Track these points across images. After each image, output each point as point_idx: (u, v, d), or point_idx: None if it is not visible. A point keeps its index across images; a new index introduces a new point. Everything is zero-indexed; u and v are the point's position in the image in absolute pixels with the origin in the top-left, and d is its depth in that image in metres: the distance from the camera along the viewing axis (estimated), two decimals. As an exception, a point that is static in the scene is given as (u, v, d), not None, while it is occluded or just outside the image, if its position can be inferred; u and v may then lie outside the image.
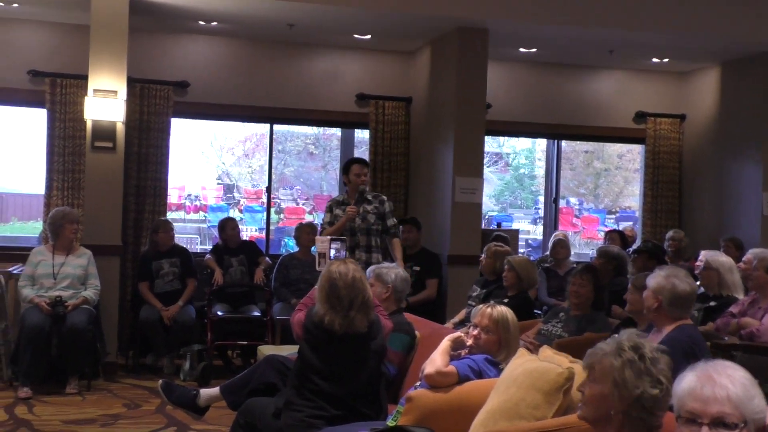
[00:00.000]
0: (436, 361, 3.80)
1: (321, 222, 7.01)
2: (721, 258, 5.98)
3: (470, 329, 4.06)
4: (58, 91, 8.09)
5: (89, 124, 7.27)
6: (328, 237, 5.45)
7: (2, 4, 7.61)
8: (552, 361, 3.35)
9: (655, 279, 4.11)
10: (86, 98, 7.23)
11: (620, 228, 10.12)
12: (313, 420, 3.94)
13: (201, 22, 8.07)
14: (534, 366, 3.32)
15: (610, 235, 8.47)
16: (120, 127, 7.32)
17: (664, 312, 4.06)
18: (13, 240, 9.91)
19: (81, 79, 7.61)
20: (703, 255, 6.04)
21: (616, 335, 4.38)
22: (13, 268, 7.33)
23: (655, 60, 9.22)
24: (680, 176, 9.83)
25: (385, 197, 6.95)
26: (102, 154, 7.29)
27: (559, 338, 5.15)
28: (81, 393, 6.49)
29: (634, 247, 8.24)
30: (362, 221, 6.69)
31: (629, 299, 4.69)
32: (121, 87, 7.26)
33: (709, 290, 5.82)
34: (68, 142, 8.10)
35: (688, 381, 2.22)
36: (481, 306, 4.13)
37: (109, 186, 7.34)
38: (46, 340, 6.46)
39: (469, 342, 4.00)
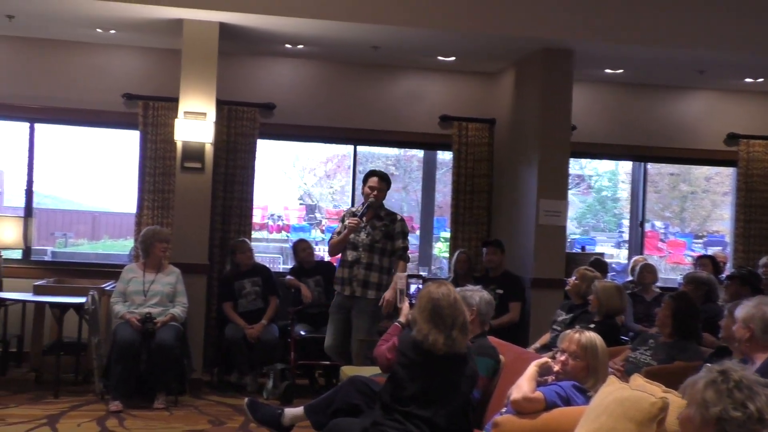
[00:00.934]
0: (523, 386, 3.75)
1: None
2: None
3: (557, 355, 4.00)
4: (150, 114, 8.29)
5: (179, 146, 7.43)
6: (405, 274, 5.47)
7: (100, 31, 7.86)
8: (644, 390, 3.25)
9: (744, 309, 4.00)
10: (177, 120, 7.40)
11: (710, 253, 9.83)
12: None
13: (287, 46, 8.18)
14: (626, 395, 3.23)
15: (701, 260, 8.23)
16: (209, 148, 7.47)
17: (756, 341, 3.92)
18: (105, 257, 10.17)
19: (172, 102, 7.78)
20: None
21: (709, 364, 4.27)
22: (105, 284, 7.52)
23: (748, 80, 8.97)
24: (775, 200, 9.53)
25: (399, 217, 6.60)
26: (191, 175, 7.44)
27: (648, 366, 5.02)
28: (168, 408, 6.58)
29: (726, 273, 8.01)
30: (366, 236, 6.44)
31: (725, 326, 4.54)
32: (211, 109, 7.41)
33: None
34: (159, 162, 8.28)
35: None
36: (568, 331, 4.06)
37: (198, 206, 7.48)
38: (135, 356, 6.58)
39: (557, 368, 3.94)
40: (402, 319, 4.64)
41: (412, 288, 5.24)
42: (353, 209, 6.68)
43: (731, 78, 8.98)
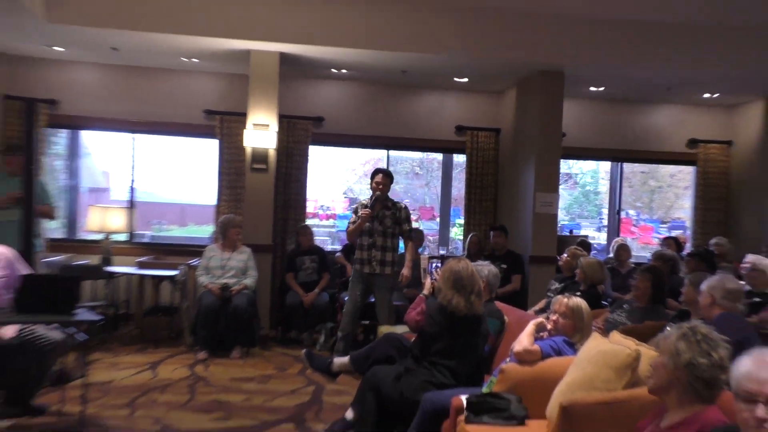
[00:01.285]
0: (523, 341, 3.79)
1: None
2: (765, 261, 5.75)
3: (550, 316, 4.03)
4: (225, 126, 8.36)
5: (248, 151, 7.48)
6: (428, 255, 5.47)
7: (185, 60, 7.93)
8: (621, 344, 3.29)
9: (710, 281, 4.02)
10: (246, 131, 7.45)
11: (674, 235, 9.77)
12: (426, 384, 3.99)
13: (333, 70, 8.21)
14: (606, 347, 3.26)
15: (667, 241, 8.16)
16: (272, 153, 7.52)
17: (716, 306, 3.94)
18: (191, 240, 10.27)
19: (242, 116, 7.82)
20: (750, 258, 5.81)
21: (673, 323, 4.27)
22: (191, 261, 7.63)
23: (706, 95, 8.86)
24: (728, 193, 9.43)
25: (404, 205, 6.42)
26: (258, 174, 7.50)
27: (623, 325, 5.02)
28: (242, 358, 6.67)
29: (686, 251, 7.94)
30: (380, 224, 6.29)
31: (686, 293, 4.54)
32: (273, 121, 7.46)
33: (754, 288, 5.57)
34: (232, 165, 8.35)
35: (744, 364, 2.15)
36: (559, 296, 4.09)
37: (263, 199, 7.54)
38: (216, 317, 6.67)
39: (550, 326, 3.97)
40: (425, 291, 4.64)
41: (433, 265, 5.23)
42: (364, 201, 6.46)
43: (692, 93, 8.87)
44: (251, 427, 4.68)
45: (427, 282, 4.72)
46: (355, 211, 6.44)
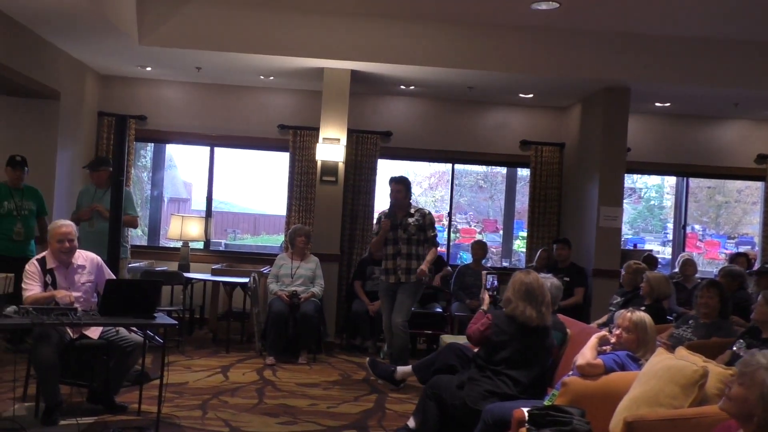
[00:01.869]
0: (586, 354, 3.65)
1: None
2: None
3: (614, 330, 3.88)
4: (297, 140, 8.45)
5: (319, 164, 7.53)
6: (485, 272, 5.32)
7: (262, 78, 8.07)
8: (688, 360, 3.12)
9: None
10: (318, 144, 7.51)
11: (744, 251, 9.35)
12: (489, 394, 3.90)
13: (402, 86, 8.21)
14: (672, 363, 3.11)
15: (738, 258, 7.79)
16: (341, 166, 7.55)
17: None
18: (263, 248, 10.40)
19: (314, 131, 7.91)
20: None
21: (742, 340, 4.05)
22: (263, 269, 7.70)
23: (775, 111, 8.49)
24: (797, 208, 8.99)
25: (428, 211, 6.18)
26: (327, 186, 7.54)
27: (689, 341, 4.81)
28: (309, 363, 6.68)
29: (756, 267, 7.57)
30: (404, 232, 6.05)
31: (758, 310, 4.29)
32: (343, 136, 7.49)
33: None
34: (303, 177, 8.42)
35: None
36: (623, 310, 3.93)
37: (332, 210, 7.58)
38: (285, 323, 6.70)
39: (613, 340, 3.82)
40: (484, 306, 4.51)
41: (490, 279, 5.07)
42: (386, 211, 6.23)
43: (761, 109, 8.50)
44: None
45: (486, 296, 4.61)
46: (378, 221, 6.26)
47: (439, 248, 6.78)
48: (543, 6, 5.53)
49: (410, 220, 6.08)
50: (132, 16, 6.63)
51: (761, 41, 7.03)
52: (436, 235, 6.26)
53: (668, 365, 3.10)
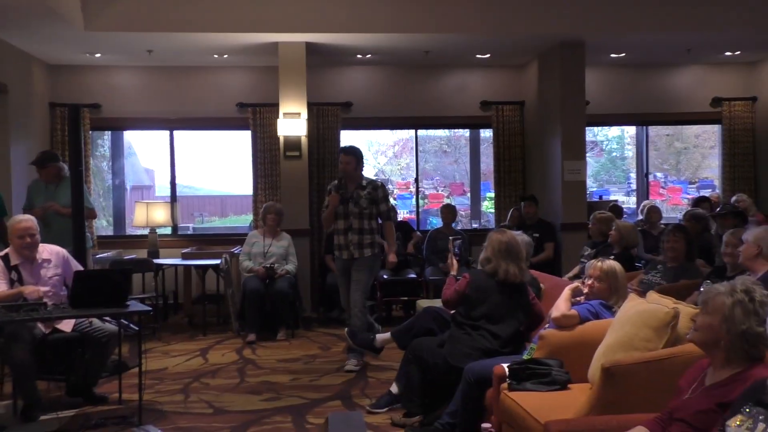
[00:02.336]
0: (561, 306, 3.70)
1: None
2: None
3: (585, 280, 3.93)
4: (257, 117, 8.34)
5: (281, 140, 7.47)
6: (451, 237, 5.15)
7: (216, 56, 7.92)
8: (659, 303, 3.18)
9: (754, 232, 3.83)
10: (278, 120, 7.44)
11: (707, 195, 9.51)
12: (470, 351, 3.94)
13: (359, 56, 8.12)
14: (644, 307, 3.16)
15: (701, 203, 7.91)
16: (304, 140, 7.49)
17: (762, 257, 3.79)
18: (232, 229, 10.33)
19: (273, 107, 7.81)
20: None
21: (708, 281, 4.14)
22: (233, 249, 7.64)
23: (727, 53, 8.58)
24: (754, 148, 9.15)
25: (380, 183, 5.75)
26: (292, 162, 7.49)
27: (659, 285, 4.90)
28: (288, 339, 6.69)
29: (718, 210, 7.70)
30: (354, 205, 5.57)
31: (728, 251, 4.36)
32: (303, 110, 7.42)
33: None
34: (267, 154, 8.33)
35: None
36: (593, 261, 3.98)
37: (299, 185, 7.54)
38: (261, 300, 6.69)
39: (586, 290, 3.88)
40: (453, 272, 4.47)
41: (457, 244, 4.95)
42: (336, 183, 5.73)
43: (713, 53, 8.60)
44: (300, 406, 4.67)
45: (454, 263, 4.60)
46: (328, 192, 5.77)
47: (399, 217, 6.62)
48: (494, -36, 5.49)
49: (362, 192, 5.62)
50: (75, 2, 6.42)
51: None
52: (390, 208, 5.96)
53: (640, 310, 3.15)
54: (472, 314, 4.06)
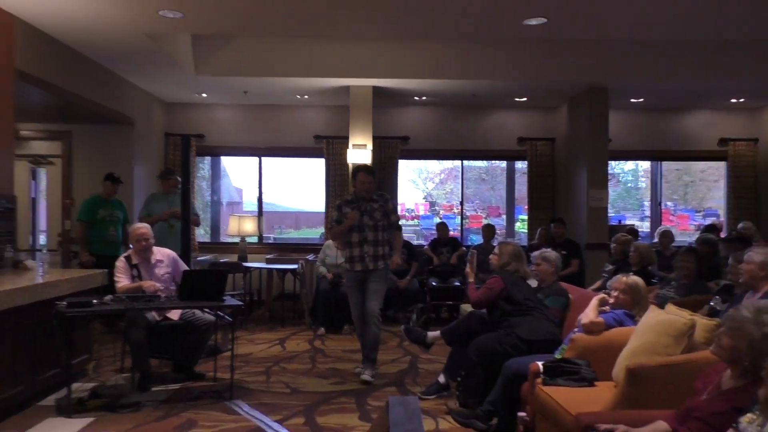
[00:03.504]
0: (589, 314, 3.61)
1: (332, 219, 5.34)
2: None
3: (611, 292, 3.83)
4: (331, 147, 8.43)
5: (350, 166, 7.52)
6: (472, 250, 5.04)
7: (299, 96, 8.08)
8: (677, 315, 3.08)
9: (760, 255, 3.64)
10: (348, 150, 7.50)
11: (709, 222, 9.20)
12: (503, 345, 3.89)
13: (416, 97, 8.16)
14: (664, 318, 3.06)
15: (711, 230, 7.62)
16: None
17: (765, 280, 3.62)
18: (305, 240, 10.43)
19: (344, 139, 7.88)
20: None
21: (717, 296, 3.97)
22: (308, 256, 7.71)
23: (733, 100, 8.32)
24: (755, 182, 8.81)
25: (389, 197, 5.19)
26: (358, 185, 7.53)
27: (672, 299, 4.73)
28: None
29: (723, 235, 7.44)
30: (369, 218, 4.99)
31: (734, 271, 4.18)
32: (369, 142, 7.47)
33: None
34: (337, 178, 8.40)
35: None
36: (618, 275, 3.89)
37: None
38: (330, 300, 6.73)
39: (611, 301, 3.78)
40: (471, 279, 4.46)
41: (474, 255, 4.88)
42: (348, 198, 5.15)
43: (720, 99, 8.35)
44: (361, 390, 4.66)
45: (471, 273, 4.55)
46: (338, 208, 5.08)
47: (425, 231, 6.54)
48: (533, 21, 5.44)
49: (375, 206, 5.03)
50: (188, 52, 6.66)
51: (715, 40, 6.88)
52: (399, 218, 5.35)
53: (661, 320, 3.05)
54: (518, 301, 4.09)
